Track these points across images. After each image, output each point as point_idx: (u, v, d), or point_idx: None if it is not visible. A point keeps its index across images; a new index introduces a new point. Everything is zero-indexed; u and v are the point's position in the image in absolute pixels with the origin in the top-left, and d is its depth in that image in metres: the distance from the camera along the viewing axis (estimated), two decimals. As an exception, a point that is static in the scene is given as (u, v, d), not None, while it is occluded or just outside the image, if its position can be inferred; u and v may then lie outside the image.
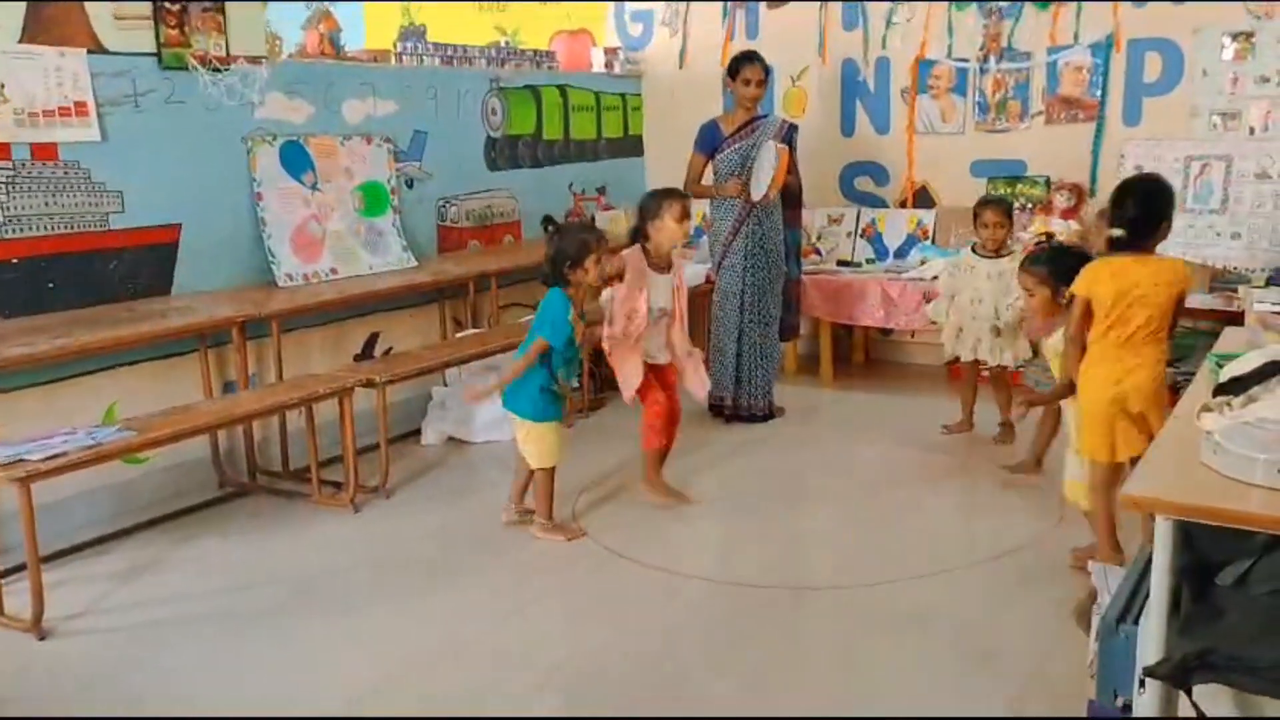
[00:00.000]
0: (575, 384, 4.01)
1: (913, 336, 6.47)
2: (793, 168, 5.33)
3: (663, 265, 4.24)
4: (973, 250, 4.96)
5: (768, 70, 5.34)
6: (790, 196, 5.44)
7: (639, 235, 4.25)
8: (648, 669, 3.03)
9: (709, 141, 5.38)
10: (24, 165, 3.97)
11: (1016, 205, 6.03)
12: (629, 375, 4.18)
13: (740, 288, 5.30)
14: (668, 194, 4.26)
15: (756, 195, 5.16)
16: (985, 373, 4.96)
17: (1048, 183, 6.03)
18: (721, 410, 5.40)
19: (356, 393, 4.31)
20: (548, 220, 4.02)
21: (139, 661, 3.15)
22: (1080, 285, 3.28)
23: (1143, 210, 3.23)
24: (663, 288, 4.22)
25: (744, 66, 5.25)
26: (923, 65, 6.38)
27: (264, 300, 4.55)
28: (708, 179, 5.44)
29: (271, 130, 4.85)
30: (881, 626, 3.24)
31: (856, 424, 5.38)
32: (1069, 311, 3.39)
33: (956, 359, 5.08)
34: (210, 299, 4.49)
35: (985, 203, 4.96)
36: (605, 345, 4.23)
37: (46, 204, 4.04)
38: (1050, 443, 4.34)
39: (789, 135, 5.37)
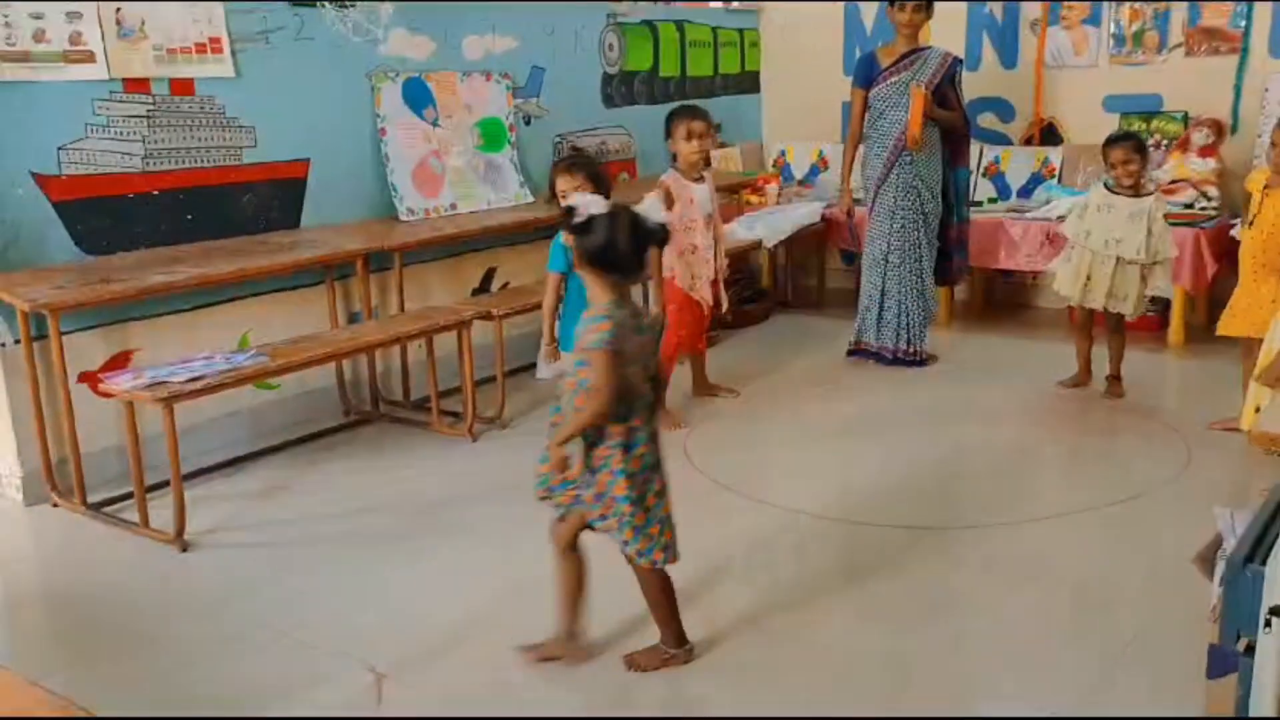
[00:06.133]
0: None
1: (1034, 279, 6.30)
2: (956, 103, 5.15)
3: (696, 178, 4.52)
4: (1106, 188, 4.61)
5: None
6: (953, 134, 5.21)
7: (673, 158, 4.53)
8: (760, 599, 3.07)
9: (865, 74, 5.18)
10: (163, 100, 4.14)
11: (1150, 142, 5.78)
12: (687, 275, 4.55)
13: (888, 230, 5.16)
14: (676, 115, 4.51)
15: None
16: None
17: (1185, 118, 5.77)
18: (860, 351, 5.34)
19: (474, 325, 4.42)
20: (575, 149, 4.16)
21: (269, 576, 3.31)
22: None
23: None
24: (702, 194, 4.53)
25: None
26: (1054, -5, 6.14)
27: (387, 234, 4.67)
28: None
29: (394, 67, 4.94)
30: (997, 569, 3.21)
31: (972, 367, 5.29)
32: None
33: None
34: (336, 232, 4.63)
35: (1112, 141, 4.59)
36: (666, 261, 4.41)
37: (184, 138, 4.21)
38: None
39: (953, 69, 5.11)
